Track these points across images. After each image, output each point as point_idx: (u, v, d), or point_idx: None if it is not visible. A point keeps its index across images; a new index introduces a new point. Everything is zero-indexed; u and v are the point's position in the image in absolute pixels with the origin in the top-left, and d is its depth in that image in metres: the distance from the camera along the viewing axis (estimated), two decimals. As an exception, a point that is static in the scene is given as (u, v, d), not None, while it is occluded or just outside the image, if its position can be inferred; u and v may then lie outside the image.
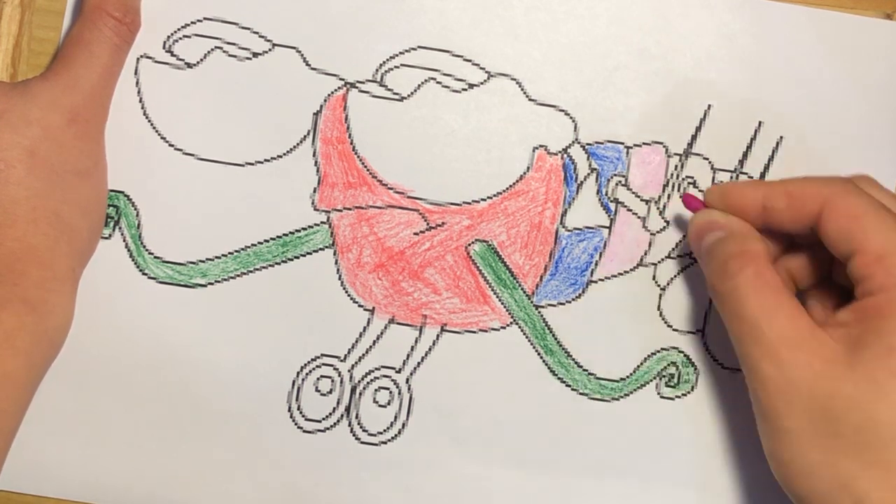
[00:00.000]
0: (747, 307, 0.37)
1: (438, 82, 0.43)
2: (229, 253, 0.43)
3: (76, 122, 0.39)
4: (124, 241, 0.43)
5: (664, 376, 0.44)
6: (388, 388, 0.43)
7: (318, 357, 0.43)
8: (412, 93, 0.43)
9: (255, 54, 0.43)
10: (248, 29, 0.43)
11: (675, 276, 0.44)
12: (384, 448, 0.43)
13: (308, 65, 0.43)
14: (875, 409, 0.34)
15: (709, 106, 0.43)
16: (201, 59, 0.43)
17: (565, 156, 0.43)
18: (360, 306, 0.43)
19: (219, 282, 0.43)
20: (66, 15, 0.43)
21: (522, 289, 0.43)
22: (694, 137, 0.43)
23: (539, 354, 0.43)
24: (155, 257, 0.43)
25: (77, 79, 0.39)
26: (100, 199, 0.41)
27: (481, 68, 0.43)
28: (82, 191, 0.40)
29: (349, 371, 0.43)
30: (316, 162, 0.43)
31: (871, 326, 0.35)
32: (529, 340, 0.43)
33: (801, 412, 0.36)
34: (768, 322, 0.36)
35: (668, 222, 0.43)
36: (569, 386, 0.43)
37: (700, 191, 0.43)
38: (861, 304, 0.36)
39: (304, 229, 0.43)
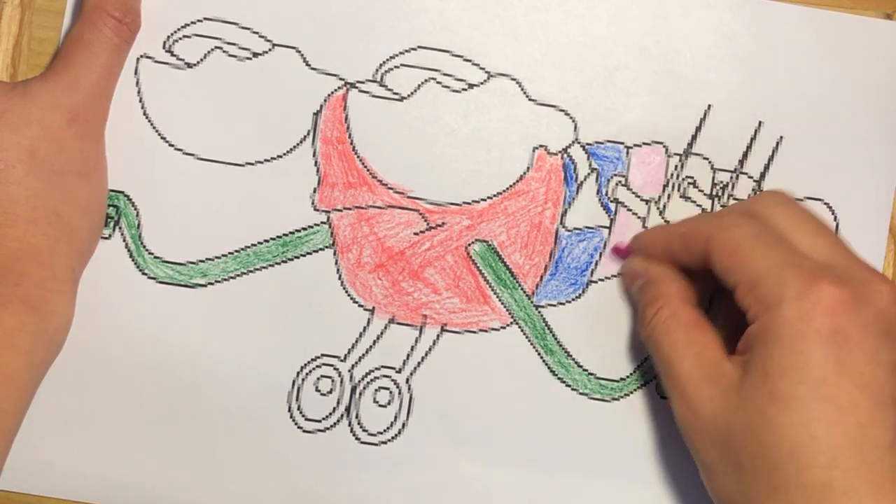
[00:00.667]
0: (662, 349, 0.39)
1: (438, 82, 0.43)
2: (229, 253, 0.43)
3: (76, 122, 0.39)
4: (124, 241, 0.43)
5: (664, 376, 0.44)
6: (388, 388, 0.43)
7: (318, 357, 0.43)
8: (412, 93, 0.43)
9: (255, 54, 0.43)
10: (248, 29, 0.43)
11: (675, 276, 0.44)
12: (384, 448, 0.43)
13: (308, 65, 0.43)
14: (763, 434, 0.35)
15: (709, 106, 0.43)
16: (201, 59, 0.43)
17: (565, 156, 0.43)
18: (360, 306, 0.43)
19: (219, 282, 0.43)
20: (66, 15, 0.43)
21: (522, 289, 0.43)
22: (694, 137, 0.43)
23: (539, 354, 0.43)
24: (155, 257, 0.43)
25: (77, 79, 0.39)
26: (100, 199, 0.41)
27: (481, 68, 0.43)
28: (82, 191, 0.40)
29: (349, 371, 0.43)
30: (316, 162, 0.43)
31: (752, 355, 0.36)
32: (529, 340, 0.43)
33: (711, 445, 0.37)
34: (678, 361, 0.38)
35: (668, 222, 0.43)
36: (569, 386, 0.43)
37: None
38: (747, 332, 0.37)
39: (304, 229, 0.43)
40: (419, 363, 0.43)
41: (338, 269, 0.43)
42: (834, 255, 0.37)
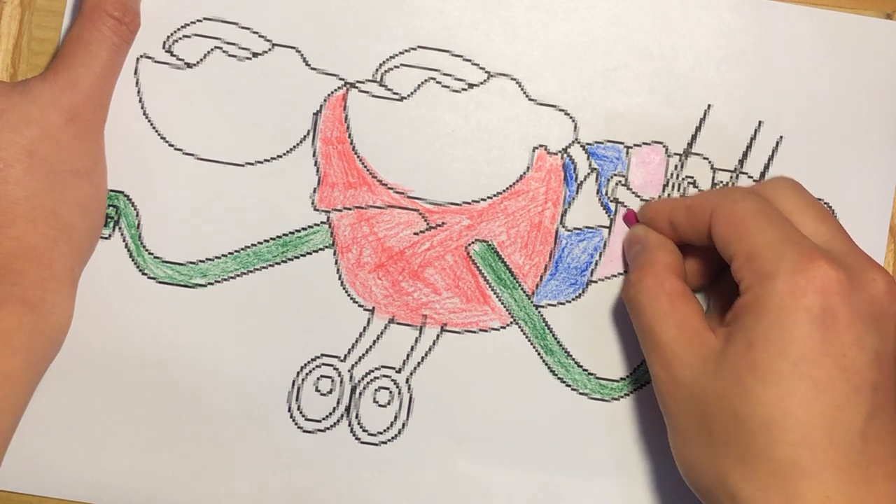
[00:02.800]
0: (644, 314, 0.39)
1: (438, 82, 0.43)
2: (229, 253, 0.43)
3: (75, 122, 0.39)
4: (124, 241, 0.43)
5: (664, 376, 0.44)
6: (388, 388, 0.43)
7: (318, 357, 0.43)
8: (412, 93, 0.43)
9: (255, 54, 0.43)
10: (248, 29, 0.43)
11: (675, 276, 0.44)
12: (384, 448, 0.43)
13: (308, 65, 0.43)
14: (738, 403, 0.35)
15: (709, 106, 0.43)
16: (201, 59, 0.43)
17: (565, 156, 0.43)
18: (360, 306, 0.43)
19: (219, 282, 0.43)
20: (65, 15, 0.43)
21: (522, 289, 0.43)
22: (694, 137, 0.43)
23: (539, 354, 0.43)
24: (155, 257, 0.43)
25: (76, 78, 0.39)
26: (99, 198, 0.41)
27: (481, 68, 0.43)
28: (81, 190, 0.40)
29: (349, 371, 0.43)
30: (316, 162, 0.43)
31: (738, 325, 0.37)
32: (529, 340, 0.43)
33: (685, 411, 0.37)
34: (659, 327, 0.38)
35: (668, 222, 0.43)
36: (569, 386, 0.43)
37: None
38: (736, 303, 0.37)
39: (304, 229, 0.43)
40: (419, 363, 0.43)
41: (338, 269, 0.43)
42: (835, 240, 0.38)
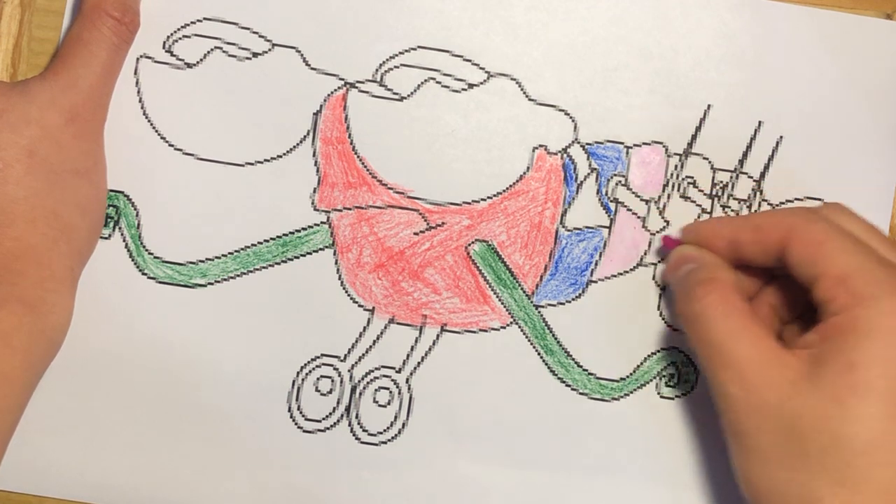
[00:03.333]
0: (713, 331, 0.38)
1: (438, 82, 0.43)
2: (229, 253, 0.43)
3: (75, 122, 0.39)
4: (124, 241, 0.43)
5: (664, 376, 0.44)
6: (388, 388, 0.43)
7: (318, 357, 0.43)
8: (412, 93, 0.43)
9: (255, 54, 0.43)
10: (248, 29, 0.43)
11: (675, 276, 0.44)
12: (384, 448, 0.43)
13: (308, 65, 0.43)
14: (838, 426, 0.35)
15: (709, 106, 0.43)
16: (201, 59, 0.43)
17: (565, 156, 0.43)
18: (360, 306, 0.43)
19: (219, 282, 0.43)
20: (65, 15, 0.43)
21: (522, 289, 0.43)
22: (694, 137, 0.43)
23: (539, 354, 0.43)
24: (155, 257, 0.43)
25: (76, 78, 0.39)
26: (99, 198, 0.41)
27: (481, 68, 0.43)
28: (81, 190, 0.40)
29: (349, 371, 0.43)
30: (316, 162, 0.43)
31: (833, 345, 0.36)
32: (529, 340, 0.43)
33: (769, 432, 0.36)
34: (734, 345, 0.37)
35: (668, 222, 0.43)
36: (569, 386, 0.43)
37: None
38: (824, 325, 0.37)
39: (304, 229, 0.43)
40: (419, 363, 0.43)
41: (338, 269, 0.43)
42: None
